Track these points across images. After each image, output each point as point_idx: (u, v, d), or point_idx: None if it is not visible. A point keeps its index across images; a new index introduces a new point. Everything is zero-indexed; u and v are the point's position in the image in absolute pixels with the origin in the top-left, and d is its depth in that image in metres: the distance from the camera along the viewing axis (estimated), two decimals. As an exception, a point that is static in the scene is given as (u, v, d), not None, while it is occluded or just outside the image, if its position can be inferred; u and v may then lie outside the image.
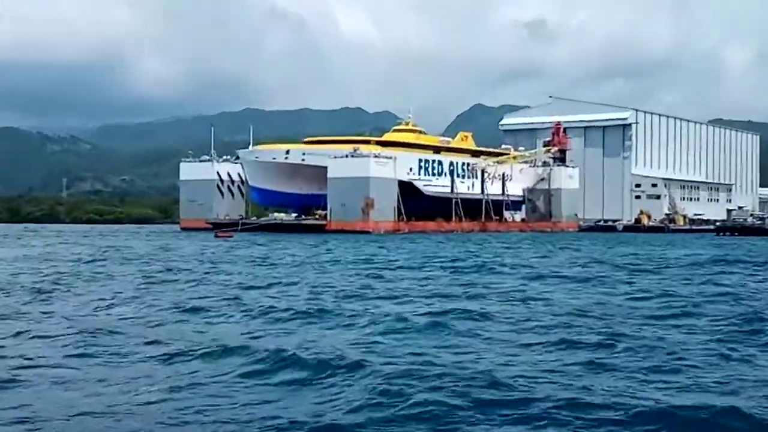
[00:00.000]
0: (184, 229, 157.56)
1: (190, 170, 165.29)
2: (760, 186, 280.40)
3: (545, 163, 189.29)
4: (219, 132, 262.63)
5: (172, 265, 51.73)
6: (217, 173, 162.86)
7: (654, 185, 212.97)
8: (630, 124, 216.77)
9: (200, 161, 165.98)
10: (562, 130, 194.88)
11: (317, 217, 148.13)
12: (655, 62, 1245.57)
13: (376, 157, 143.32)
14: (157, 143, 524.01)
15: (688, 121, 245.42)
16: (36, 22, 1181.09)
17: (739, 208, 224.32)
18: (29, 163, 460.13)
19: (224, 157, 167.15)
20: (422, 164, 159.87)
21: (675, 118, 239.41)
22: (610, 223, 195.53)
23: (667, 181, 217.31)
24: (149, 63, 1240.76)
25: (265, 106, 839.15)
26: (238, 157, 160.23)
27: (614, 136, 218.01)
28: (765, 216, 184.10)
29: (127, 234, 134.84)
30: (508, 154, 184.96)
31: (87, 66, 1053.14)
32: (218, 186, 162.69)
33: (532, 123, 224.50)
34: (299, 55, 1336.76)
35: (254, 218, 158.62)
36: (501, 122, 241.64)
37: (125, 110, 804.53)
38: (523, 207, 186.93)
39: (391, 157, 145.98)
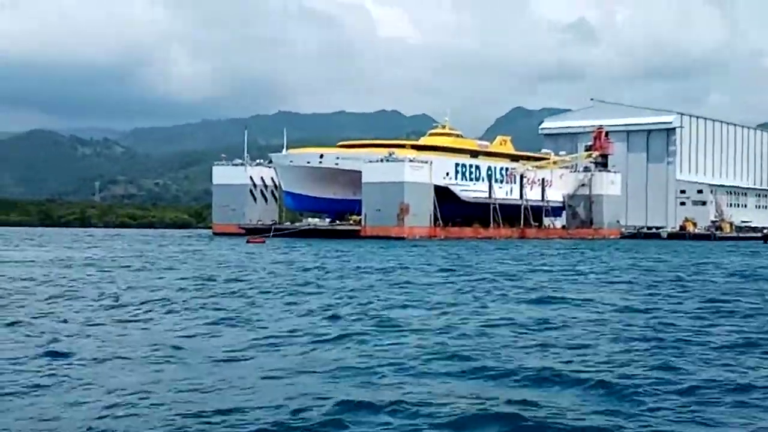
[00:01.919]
0: (216, 234, 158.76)
1: (222, 174, 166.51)
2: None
3: (586, 168, 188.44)
4: (253, 135, 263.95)
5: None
6: (250, 177, 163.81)
7: (699, 191, 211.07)
8: (674, 128, 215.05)
9: (233, 165, 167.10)
10: (604, 134, 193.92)
11: (352, 222, 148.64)
12: (702, 64, 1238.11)
13: (411, 161, 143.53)
14: (190, 146, 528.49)
15: (735, 125, 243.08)
16: (68, 22, 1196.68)
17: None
18: (61, 167, 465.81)
19: (257, 161, 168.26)
20: (459, 169, 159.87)
21: (722, 122, 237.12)
22: (653, 230, 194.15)
23: (713, 187, 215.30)
24: (183, 65, 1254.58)
25: (300, 109, 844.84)
26: (271, 161, 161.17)
27: (658, 141, 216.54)
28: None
29: (162, 239, 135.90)
30: (548, 158, 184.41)
31: (121, 68, 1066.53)
32: (251, 190, 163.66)
33: (573, 127, 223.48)
34: (335, 57, 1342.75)
35: (288, 223, 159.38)
36: (541, 126, 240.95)
37: (159, 113, 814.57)
38: (564, 213, 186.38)
39: (426, 162, 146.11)
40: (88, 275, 48.28)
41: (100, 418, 14.58)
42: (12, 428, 13.93)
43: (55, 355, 20.48)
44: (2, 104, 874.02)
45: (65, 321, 27.03)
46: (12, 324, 25.94)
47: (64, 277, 46.50)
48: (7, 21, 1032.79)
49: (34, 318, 27.67)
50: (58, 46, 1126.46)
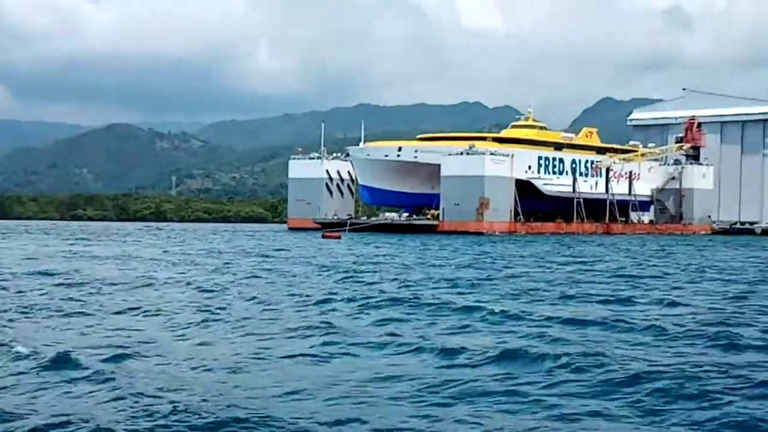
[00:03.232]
0: (291, 228, 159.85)
1: (298, 168, 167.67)
2: None
3: (677, 161, 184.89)
4: (332, 128, 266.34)
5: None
6: (326, 171, 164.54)
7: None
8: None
9: (309, 159, 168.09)
10: (696, 125, 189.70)
11: (429, 217, 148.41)
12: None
13: (492, 154, 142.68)
14: (268, 140, 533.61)
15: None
16: (148, 15, 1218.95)
17: None
18: (139, 161, 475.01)
19: (334, 154, 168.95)
20: (542, 162, 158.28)
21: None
22: (747, 226, 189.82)
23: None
24: (262, 58, 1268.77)
25: (380, 101, 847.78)
26: (348, 155, 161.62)
27: (754, 132, 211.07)
28: None
29: (229, 234, 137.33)
30: (636, 151, 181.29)
31: (198, 61, 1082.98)
32: (327, 185, 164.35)
33: (664, 118, 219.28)
34: (417, 47, 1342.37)
35: (364, 218, 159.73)
36: (630, 117, 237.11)
37: (237, 107, 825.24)
38: (652, 208, 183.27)
39: (508, 155, 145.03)
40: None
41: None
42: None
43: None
44: (82, 98, 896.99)
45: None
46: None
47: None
48: (89, 14, 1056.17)
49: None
50: (140, 39, 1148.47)
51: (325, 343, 21.81)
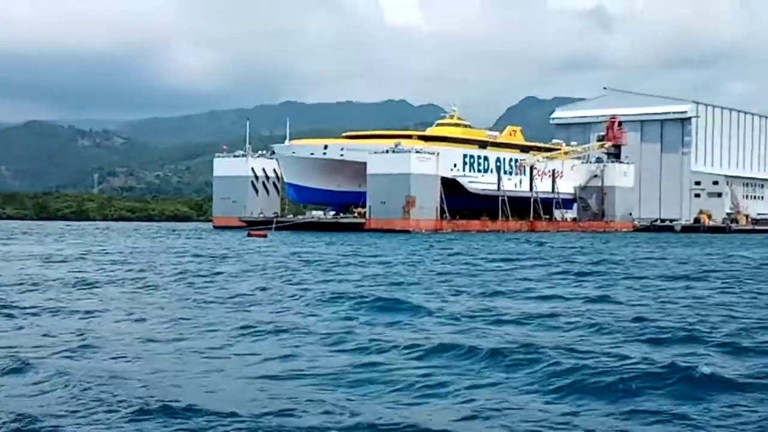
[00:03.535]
0: (217, 227, 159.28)
1: (223, 166, 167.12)
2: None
3: (598, 159, 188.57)
4: (257, 126, 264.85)
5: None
6: (252, 169, 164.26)
7: (715, 183, 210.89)
8: (690, 118, 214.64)
9: (234, 156, 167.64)
10: (617, 123, 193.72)
11: (356, 215, 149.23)
12: (722, 52, 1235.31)
13: (417, 152, 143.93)
14: (193, 138, 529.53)
15: (753, 114, 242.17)
16: (69, 9, 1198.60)
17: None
18: (59, 159, 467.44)
19: (259, 152, 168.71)
20: (467, 160, 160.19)
21: (739, 111, 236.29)
22: (667, 223, 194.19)
23: (729, 179, 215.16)
24: (186, 54, 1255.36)
25: (305, 99, 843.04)
26: (273, 153, 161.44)
27: (673, 131, 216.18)
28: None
29: (151, 233, 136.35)
30: (559, 149, 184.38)
31: (121, 57, 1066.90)
32: (252, 182, 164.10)
33: (586, 116, 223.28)
34: (341, 45, 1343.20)
35: (290, 216, 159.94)
36: (552, 115, 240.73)
37: (161, 103, 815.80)
38: (575, 206, 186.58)
39: (433, 153, 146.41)
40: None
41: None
42: None
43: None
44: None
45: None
46: None
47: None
48: (6, 8, 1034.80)
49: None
50: (59, 34, 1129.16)
51: (243, 338, 22.62)
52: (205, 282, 40.45)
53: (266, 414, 14.63)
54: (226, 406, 15.04)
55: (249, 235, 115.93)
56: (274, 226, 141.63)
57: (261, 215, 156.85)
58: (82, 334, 22.88)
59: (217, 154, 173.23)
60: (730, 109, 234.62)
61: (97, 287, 37.03)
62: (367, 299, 31.61)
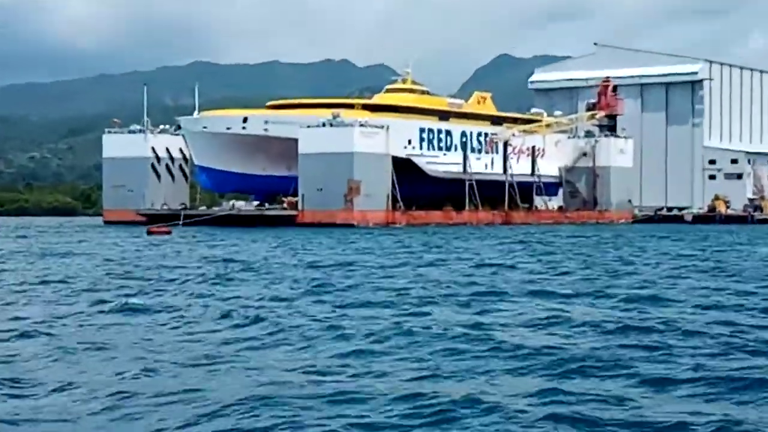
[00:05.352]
0: (108, 222, 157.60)
1: (115, 144, 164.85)
2: None
3: (589, 133, 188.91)
4: (158, 93, 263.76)
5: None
6: (152, 149, 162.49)
7: (734, 161, 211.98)
8: (701, 81, 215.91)
9: (130, 132, 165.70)
10: (611, 88, 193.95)
11: (285, 206, 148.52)
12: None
13: (362, 126, 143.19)
14: (77, 109, 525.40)
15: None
16: None
17: None
18: None
19: (161, 127, 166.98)
20: (424, 135, 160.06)
21: (762, 72, 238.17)
22: (675, 212, 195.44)
23: (752, 156, 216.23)
24: (70, 6, 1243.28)
25: (219, 58, 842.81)
26: (179, 127, 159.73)
27: (681, 97, 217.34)
28: None
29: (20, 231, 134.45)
30: (541, 120, 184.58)
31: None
32: (153, 166, 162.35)
33: (573, 79, 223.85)
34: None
35: (203, 208, 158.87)
36: (531, 78, 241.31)
37: (36, 66, 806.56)
38: (560, 191, 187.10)
39: (382, 126, 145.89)
40: None
41: None
42: None
43: None
44: None
45: None
46: None
47: None
48: None
49: None
50: None
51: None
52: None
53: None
54: None
55: (149, 232, 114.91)
56: (181, 221, 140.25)
57: (165, 207, 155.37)
58: None
59: (107, 130, 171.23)
60: (751, 69, 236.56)
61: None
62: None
